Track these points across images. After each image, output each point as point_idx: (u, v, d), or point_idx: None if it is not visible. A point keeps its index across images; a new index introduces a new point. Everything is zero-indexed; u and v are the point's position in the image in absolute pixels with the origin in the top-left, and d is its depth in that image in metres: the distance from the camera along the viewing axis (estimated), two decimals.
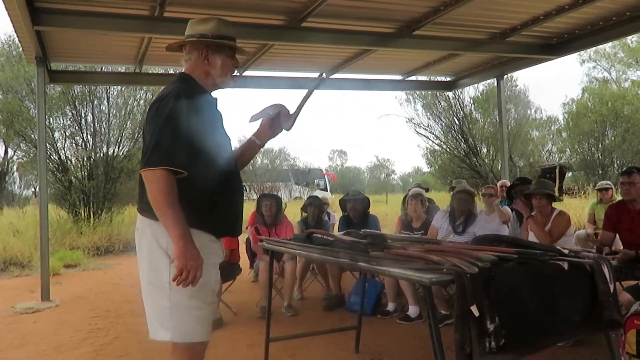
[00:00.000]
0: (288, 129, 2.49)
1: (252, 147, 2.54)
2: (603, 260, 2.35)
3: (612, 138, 17.08)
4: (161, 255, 2.14)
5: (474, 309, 1.94)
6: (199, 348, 2.22)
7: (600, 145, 17.12)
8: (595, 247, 5.12)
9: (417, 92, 16.03)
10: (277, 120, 2.50)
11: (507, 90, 16.31)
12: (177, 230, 2.01)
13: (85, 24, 5.11)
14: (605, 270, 2.30)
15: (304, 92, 2.54)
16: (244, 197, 2.58)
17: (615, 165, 16.74)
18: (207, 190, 2.18)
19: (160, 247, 2.14)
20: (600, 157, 17.07)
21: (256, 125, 2.53)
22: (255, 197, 17.43)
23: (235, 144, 2.51)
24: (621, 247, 4.29)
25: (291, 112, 2.49)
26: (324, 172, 34.97)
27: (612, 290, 2.33)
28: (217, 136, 2.27)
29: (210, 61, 2.29)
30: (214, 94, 2.40)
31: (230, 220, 2.32)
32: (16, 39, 13.96)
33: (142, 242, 2.22)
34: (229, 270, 5.06)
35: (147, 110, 2.19)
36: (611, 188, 6.93)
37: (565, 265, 2.24)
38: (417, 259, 2.37)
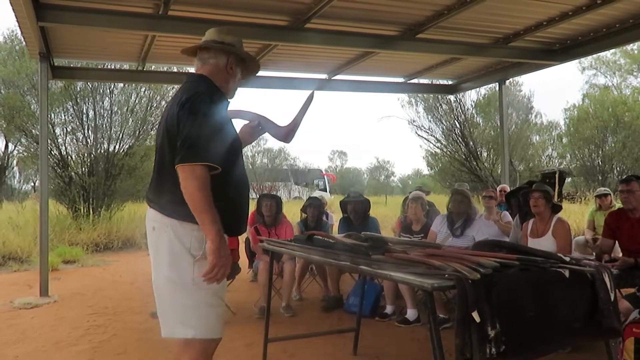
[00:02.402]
0: (288, 141, 2.67)
1: None
2: (604, 268, 2.36)
3: (613, 144, 17.10)
4: (184, 254, 2.16)
5: (475, 315, 1.95)
6: (213, 345, 2.26)
7: (600, 152, 17.14)
8: (594, 253, 5.12)
9: (419, 95, 16.04)
10: (257, 129, 2.66)
11: (511, 95, 16.34)
12: (215, 227, 2.06)
13: (90, 21, 5.12)
14: (606, 279, 2.31)
15: (300, 105, 2.70)
16: None
17: (615, 172, 16.76)
18: (236, 189, 2.27)
19: (184, 246, 2.16)
20: (600, 163, 17.09)
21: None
22: (254, 196, 17.44)
23: None
24: (620, 255, 4.30)
25: (284, 124, 2.66)
26: (324, 172, 35.01)
27: (612, 298, 2.34)
28: (235, 137, 2.36)
29: (234, 71, 2.40)
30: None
31: (242, 219, 2.39)
32: (19, 34, 13.98)
33: (161, 241, 2.21)
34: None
35: (178, 107, 2.17)
36: (610, 194, 6.93)
37: (567, 273, 2.24)
38: (418, 263, 2.38)
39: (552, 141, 19.54)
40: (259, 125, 2.64)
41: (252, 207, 6.53)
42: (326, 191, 28.20)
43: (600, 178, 16.61)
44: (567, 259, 2.43)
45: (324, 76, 8.13)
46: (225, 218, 2.17)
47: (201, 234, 2.13)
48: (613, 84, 25.04)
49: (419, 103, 16.68)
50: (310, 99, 2.73)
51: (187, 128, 2.08)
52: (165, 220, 2.20)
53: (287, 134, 2.65)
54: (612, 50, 22.70)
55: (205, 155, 2.05)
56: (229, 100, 2.43)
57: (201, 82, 2.31)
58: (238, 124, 2.64)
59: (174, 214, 2.15)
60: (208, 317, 2.19)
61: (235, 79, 2.42)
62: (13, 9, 4.90)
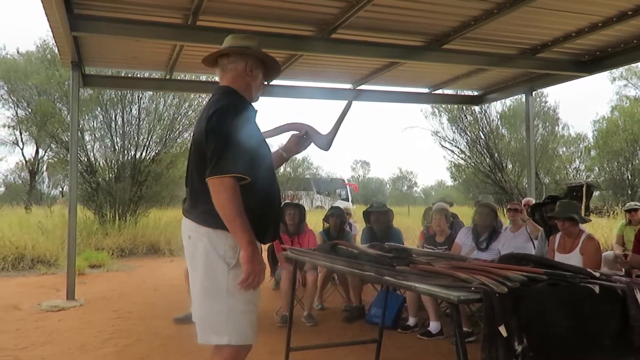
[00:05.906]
0: (327, 149, 2.69)
1: (279, 158, 2.71)
2: (635, 284, 2.30)
3: None
4: (219, 262, 2.22)
5: (502, 329, 1.92)
6: (244, 352, 2.29)
7: (630, 165, 16.78)
8: (623, 269, 5.00)
9: (443, 106, 15.94)
10: (303, 139, 2.69)
11: (536, 106, 16.12)
12: (246, 236, 2.12)
13: (121, 31, 5.25)
14: (638, 295, 2.25)
15: (338, 113, 2.74)
16: None
17: None
18: (259, 197, 2.27)
19: (218, 255, 2.21)
20: (629, 177, 16.72)
21: (285, 137, 2.71)
22: None
23: None
24: None
25: (325, 133, 2.68)
26: (346, 182, 34.92)
27: None
28: (264, 146, 2.39)
29: (254, 74, 2.41)
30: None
31: (267, 228, 2.37)
32: (49, 43, 14.39)
33: (197, 250, 2.27)
34: None
35: (205, 122, 2.22)
36: None
37: (596, 289, 2.20)
38: (443, 275, 2.36)
39: (579, 154, 19.20)
40: (306, 135, 2.68)
41: None
42: (348, 201, 28.14)
43: (629, 192, 16.24)
44: (597, 274, 2.38)
45: (348, 86, 8.16)
46: (261, 226, 2.26)
47: (235, 242, 2.19)
48: None
49: (442, 114, 16.57)
50: (347, 107, 2.78)
51: (214, 142, 2.15)
52: (200, 230, 2.25)
53: (328, 142, 2.69)
54: None
55: (233, 167, 2.11)
56: (254, 107, 2.43)
57: (227, 94, 2.36)
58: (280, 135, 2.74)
59: (208, 223, 2.21)
60: (241, 323, 2.24)
61: (257, 82, 2.44)
62: (48, 19, 5.06)
